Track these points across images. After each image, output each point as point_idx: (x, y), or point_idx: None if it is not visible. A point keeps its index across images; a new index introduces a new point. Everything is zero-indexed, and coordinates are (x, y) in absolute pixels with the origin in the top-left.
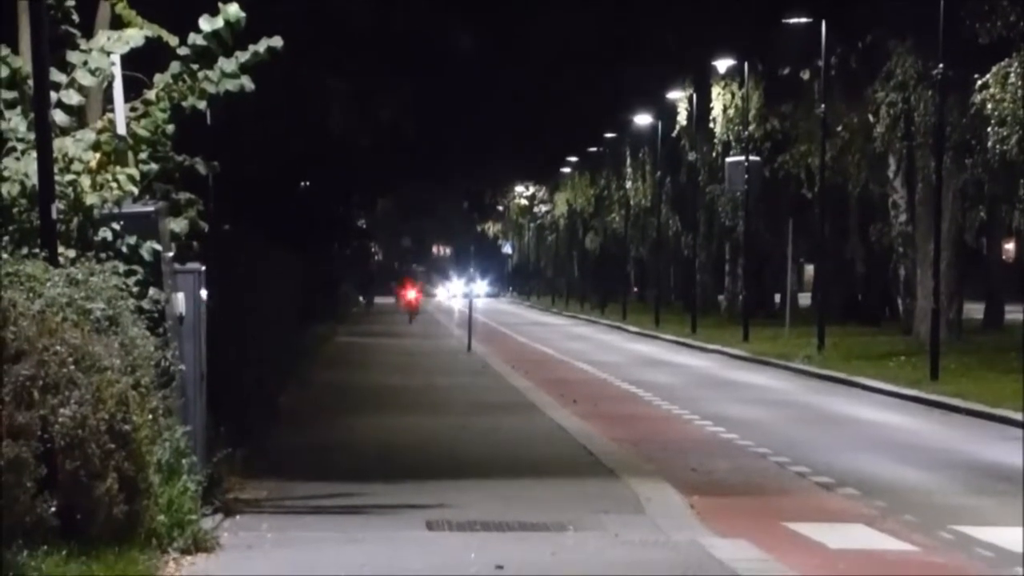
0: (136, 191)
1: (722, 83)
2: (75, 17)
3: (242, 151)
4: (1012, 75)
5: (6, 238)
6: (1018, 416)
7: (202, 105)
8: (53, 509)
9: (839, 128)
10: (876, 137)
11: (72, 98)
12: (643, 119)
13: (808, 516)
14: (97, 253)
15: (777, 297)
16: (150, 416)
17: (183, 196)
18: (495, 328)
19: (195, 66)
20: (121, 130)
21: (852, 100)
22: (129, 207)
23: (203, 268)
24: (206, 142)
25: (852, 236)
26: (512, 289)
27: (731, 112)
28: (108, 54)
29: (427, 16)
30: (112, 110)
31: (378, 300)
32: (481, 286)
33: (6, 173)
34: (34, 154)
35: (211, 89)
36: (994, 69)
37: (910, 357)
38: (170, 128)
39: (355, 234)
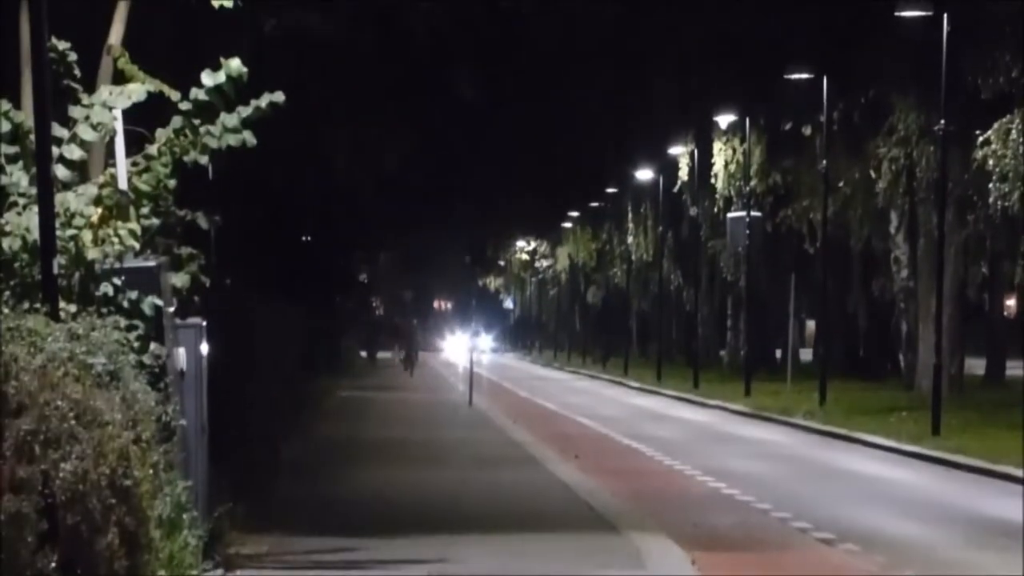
0: (137, 246)
1: (723, 138)
2: (77, 72)
3: (244, 204)
4: (1013, 131)
5: (7, 292)
6: (1019, 472)
7: (204, 160)
8: (54, 564)
9: (841, 183)
10: (878, 192)
11: (74, 153)
12: (645, 174)
13: (810, 571)
14: (98, 308)
15: (778, 352)
16: (151, 471)
17: (185, 250)
18: (496, 383)
19: (197, 121)
20: (123, 185)
21: (854, 155)
22: (131, 262)
23: (204, 322)
24: (208, 195)
25: (854, 291)
26: (519, 344)
27: (732, 167)
28: (110, 108)
29: (430, 70)
30: (114, 165)
31: (380, 355)
32: (486, 340)
33: (8, 228)
34: (35, 208)
35: (213, 144)
36: (996, 125)
37: (912, 412)
38: (172, 183)
39: (357, 288)
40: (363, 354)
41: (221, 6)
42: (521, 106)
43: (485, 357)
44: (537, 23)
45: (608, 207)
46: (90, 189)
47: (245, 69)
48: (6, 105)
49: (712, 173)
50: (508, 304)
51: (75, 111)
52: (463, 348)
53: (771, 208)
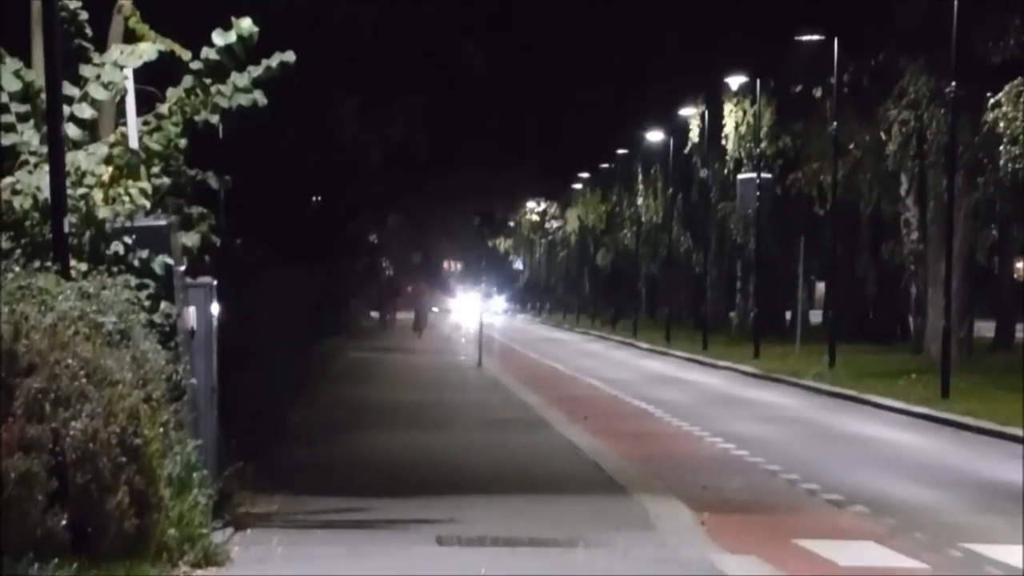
0: (148, 205)
1: (734, 100)
2: (88, 31)
3: (254, 166)
4: None
5: (18, 251)
6: None
7: (215, 119)
8: (64, 523)
9: (851, 146)
10: (888, 156)
11: (85, 112)
12: (655, 136)
13: (818, 533)
14: (109, 267)
15: (788, 314)
16: (161, 430)
17: (195, 210)
18: (505, 344)
19: (208, 80)
20: (134, 144)
21: (864, 118)
22: (141, 221)
23: (215, 282)
24: (218, 156)
25: (864, 254)
26: (531, 306)
27: (743, 129)
28: (121, 68)
29: (440, 32)
30: (125, 124)
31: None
32: (498, 302)
33: (19, 187)
34: (47, 168)
35: (224, 104)
36: (1006, 88)
37: (921, 375)
38: (182, 142)
39: (366, 249)
40: (373, 315)
41: None
42: (531, 67)
43: (498, 320)
44: None
45: (618, 169)
46: (101, 148)
47: (256, 29)
48: (17, 64)
49: (722, 135)
50: (518, 266)
51: (86, 70)
52: (472, 309)
53: (781, 171)
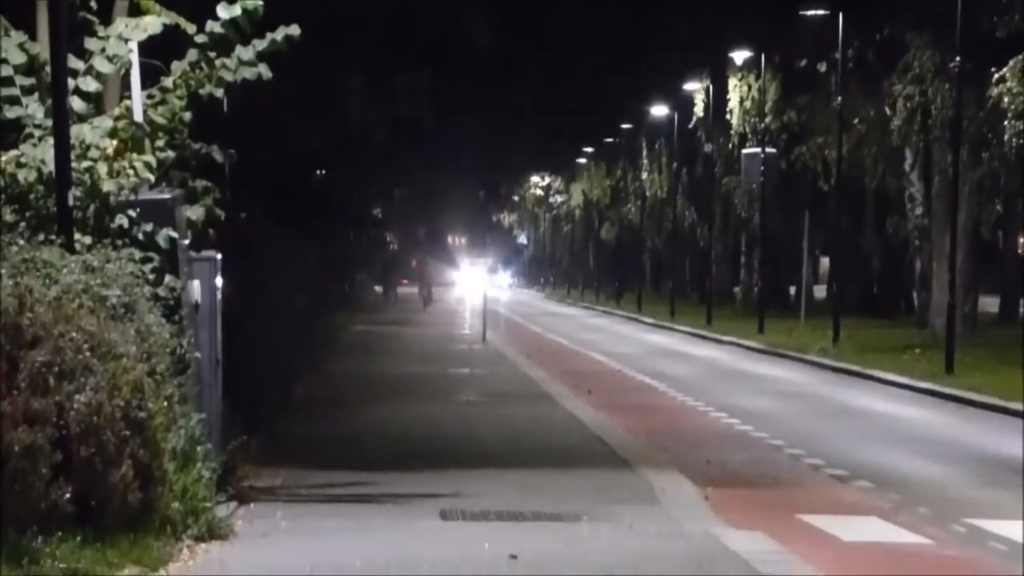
0: (152, 178)
1: (739, 75)
2: (93, 4)
3: (259, 139)
4: None
5: (23, 224)
6: None
7: (219, 93)
8: (68, 496)
9: (856, 121)
10: (893, 130)
11: (90, 85)
12: (660, 110)
13: (822, 508)
14: (113, 240)
15: (792, 289)
16: (165, 403)
17: (199, 184)
18: (510, 318)
19: (212, 54)
20: (138, 117)
21: (869, 93)
22: (145, 194)
23: (219, 256)
24: (223, 130)
25: (868, 229)
26: (533, 280)
27: (748, 104)
28: (126, 41)
29: (444, 7)
30: (129, 97)
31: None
32: (503, 277)
33: (23, 159)
34: (51, 140)
35: (228, 77)
36: (1011, 63)
37: (925, 350)
38: (187, 116)
39: (371, 223)
40: (378, 289)
41: None
42: (536, 42)
43: (503, 295)
44: None
45: (623, 143)
46: (106, 121)
47: (260, 2)
48: (22, 37)
49: (727, 110)
50: (522, 240)
51: (91, 43)
52: (477, 283)
53: (786, 145)
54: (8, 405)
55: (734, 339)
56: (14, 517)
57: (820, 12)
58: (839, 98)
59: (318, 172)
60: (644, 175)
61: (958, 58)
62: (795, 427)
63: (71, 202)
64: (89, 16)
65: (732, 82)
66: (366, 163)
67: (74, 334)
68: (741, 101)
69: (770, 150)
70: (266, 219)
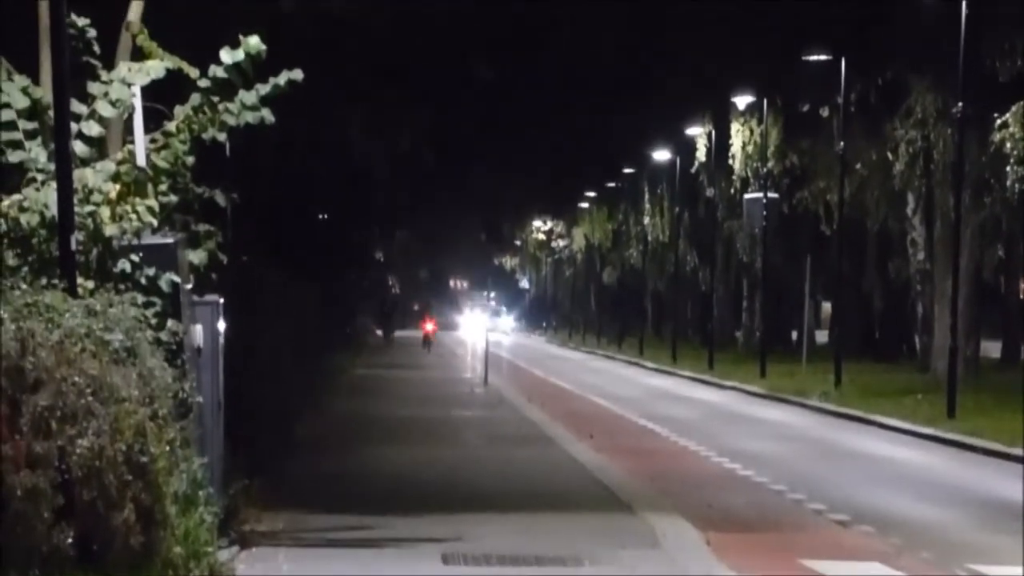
0: (155, 222)
1: (741, 119)
2: (96, 48)
3: (261, 181)
4: None
5: (25, 268)
6: None
7: (222, 137)
8: (70, 539)
9: (858, 165)
10: (895, 174)
11: (92, 129)
12: (662, 154)
13: (824, 553)
14: (116, 284)
15: (794, 333)
16: (167, 447)
17: (202, 227)
18: (511, 362)
19: (216, 98)
20: (141, 161)
21: (871, 136)
22: (148, 238)
23: (221, 300)
24: (225, 172)
25: (870, 272)
26: (535, 323)
27: (750, 148)
28: (129, 85)
29: (447, 48)
30: (132, 141)
31: (397, 333)
32: (507, 320)
33: (26, 203)
34: (54, 184)
35: (231, 121)
36: (1013, 108)
37: (927, 394)
38: (190, 160)
39: (373, 265)
40: (378, 332)
41: None
42: (538, 85)
43: (507, 339)
44: (554, 1)
45: (625, 187)
46: (108, 165)
47: (264, 46)
48: (25, 81)
49: (729, 154)
50: (524, 284)
51: (94, 87)
52: (479, 327)
53: (788, 189)
54: (10, 449)
55: (736, 383)
56: (16, 560)
57: (822, 56)
58: (841, 142)
59: (320, 216)
60: (646, 219)
61: (960, 102)
62: (797, 471)
63: (74, 246)
64: (92, 60)
65: (734, 126)
66: (368, 204)
67: (76, 378)
68: (743, 145)
69: (772, 194)
70: (268, 261)
